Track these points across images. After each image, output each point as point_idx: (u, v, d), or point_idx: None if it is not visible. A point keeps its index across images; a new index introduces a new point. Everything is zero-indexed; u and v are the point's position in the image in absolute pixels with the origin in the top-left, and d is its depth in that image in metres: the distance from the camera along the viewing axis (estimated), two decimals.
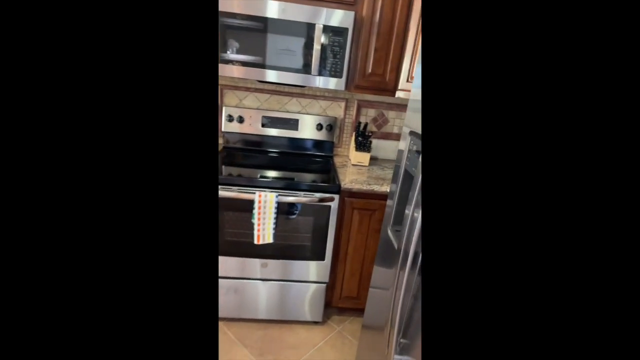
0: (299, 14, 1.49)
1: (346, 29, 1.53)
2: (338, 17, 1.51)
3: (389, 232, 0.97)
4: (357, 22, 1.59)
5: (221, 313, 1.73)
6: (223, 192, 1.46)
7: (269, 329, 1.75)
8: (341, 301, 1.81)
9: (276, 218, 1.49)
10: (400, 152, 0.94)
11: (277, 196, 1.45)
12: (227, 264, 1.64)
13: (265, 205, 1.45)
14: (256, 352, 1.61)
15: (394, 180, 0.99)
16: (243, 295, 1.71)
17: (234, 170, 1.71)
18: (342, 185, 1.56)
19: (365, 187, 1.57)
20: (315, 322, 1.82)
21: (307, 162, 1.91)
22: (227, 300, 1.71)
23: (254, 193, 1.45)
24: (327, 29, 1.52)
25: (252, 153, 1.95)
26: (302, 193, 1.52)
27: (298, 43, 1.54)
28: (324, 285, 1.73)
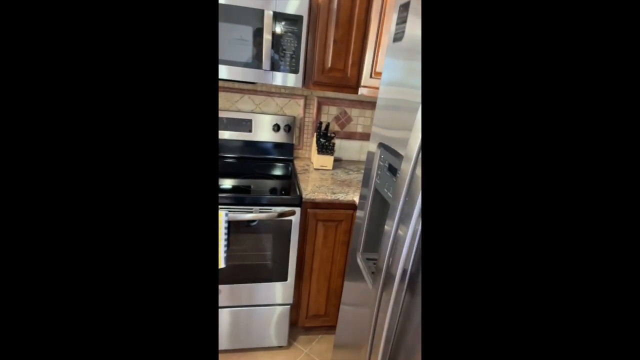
0: None
1: (300, 17, 1.33)
2: (291, 3, 1.30)
3: (359, 260, 0.80)
4: (313, 9, 1.39)
5: None
6: None
7: (229, 359, 1.54)
8: (307, 320, 1.64)
9: (227, 239, 1.27)
10: (369, 167, 0.77)
11: (226, 214, 1.23)
12: None
13: None
14: None
15: (361, 201, 0.82)
16: None
17: None
18: (303, 196, 1.37)
19: (329, 197, 1.40)
20: (280, 347, 1.63)
21: (265, 168, 1.69)
22: None
23: None
24: (279, 16, 1.31)
25: None
26: (257, 208, 1.31)
27: (248, 33, 1.31)
28: (288, 306, 1.54)
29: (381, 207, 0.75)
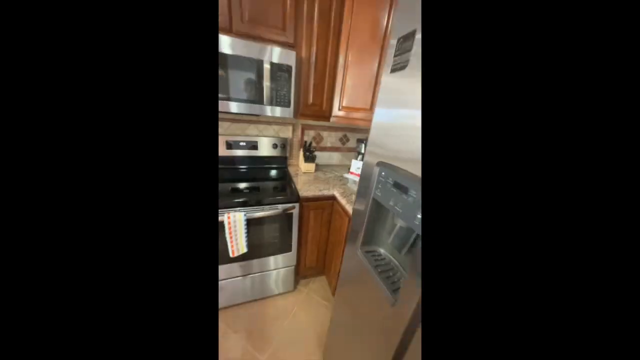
0: (247, 50, 0.97)
1: (290, 66, 1.06)
2: (282, 55, 1.03)
3: (360, 253, 0.61)
4: (298, 61, 1.13)
5: None
6: None
7: (254, 307, 1.31)
8: (305, 271, 1.45)
9: (247, 231, 1.02)
10: (367, 176, 0.57)
11: (245, 214, 0.97)
12: None
13: (235, 224, 0.96)
14: (245, 335, 1.16)
15: (357, 207, 0.62)
16: (228, 291, 1.21)
17: None
18: (300, 195, 1.14)
19: (317, 193, 1.19)
20: (288, 292, 1.43)
21: (268, 174, 1.42)
22: None
23: (223, 215, 0.95)
24: (274, 66, 1.03)
25: (222, 170, 1.38)
26: (267, 207, 1.06)
27: (252, 78, 1.02)
28: (293, 267, 1.34)
29: (377, 213, 0.56)
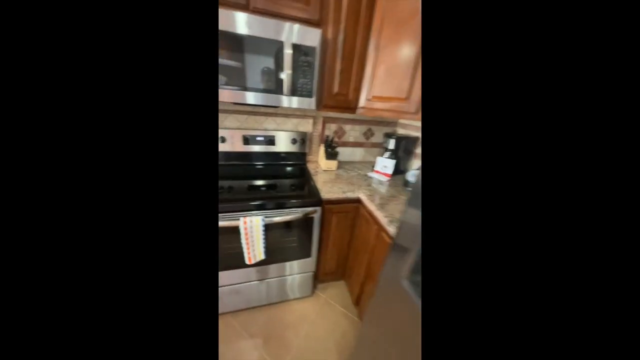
0: (266, 29, 0.83)
1: (314, 48, 0.91)
2: (305, 35, 0.88)
3: (407, 285, 0.47)
4: (323, 42, 0.97)
5: (227, 308, 1.17)
6: None
7: (270, 311, 1.25)
8: (324, 276, 1.35)
9: (265, 237, 0.92)
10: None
11: (263, 219, 0.87)
12: (226, 275, 1.05)
13: (251, 230, 0.87)
14: (261, 342, 1.10)
15: (409, 213, 0.48)
16: (244, 294, 1.16)
17: (226, 183, 1.07)
18: (322, 197, 1.02)
19: (341, 195, 1.06)
20: (306, 296, 1.35)
21: (285, 171, 1.31)
22: (230, 299, 1.14)
23: (239, 219, 0.86)
24: (296, 48, 0.89)
25: (239, 166, 1.30)
26: (287, 210, 0.95)
27: (270, 64, 0.89)
28: (311, 273, 1.24)
29: None
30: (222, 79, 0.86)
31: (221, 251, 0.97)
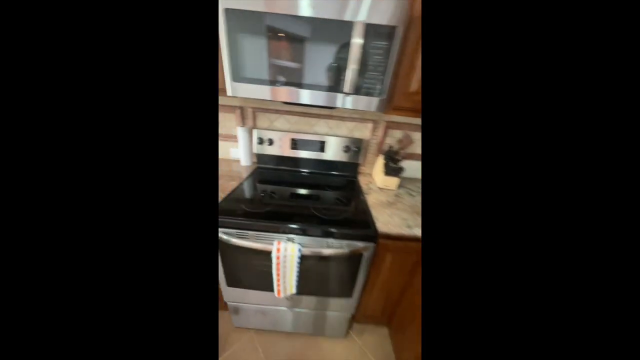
0: (332, 7, 0.64)
1: (393, 28, 0.66)
2: (384, 8, 0.64)
3: None
4: (405, 21, 0.71)
5: (251, 324, 1.06)
6: (237, 241, 0.72)
7: (295, 341, 1.08)
8: (363, 318, 1.09)
9: (299, 269, 0.74)
10: None
11: (299, 249, 0.69)
12: (253, 294, 0.94)
13: (285, 259, 0.70)
14: None
15: None
16: (271, 317, 1.02)
17: (269, 187, 0.98)
18: (378, 229, 0.77)
19: (405, 231, 0.77)
20: (338, 337, 1.12)
21: (332, 182, 1.11)
22: (256, 318, 1.03)
23: (272, 242, 0.70)
24: (369, 29, 0.66)
25: (284, 172, 1.18)
26: (332, 241, 0.74)
27: (332, 53, 0.70)
28: (349, 314, 1.00)
29: None
30: (278, 78, 0.73)
31: (249, 268, 0.85)
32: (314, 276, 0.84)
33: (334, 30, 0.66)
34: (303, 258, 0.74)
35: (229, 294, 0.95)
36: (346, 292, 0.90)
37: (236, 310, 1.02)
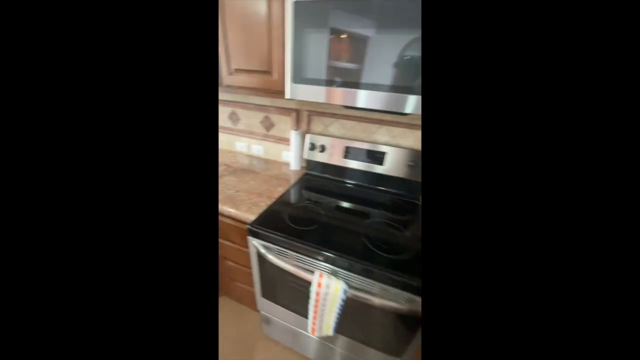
0: None
1: None
2: None
3: None
4: None
5: (277, 337, 1.01)
6: (275, 259, 0.65)
7: None
8: None
9: (341, 310, 0.61)
10: None
11: (344, 290, 0.56)
12: (283, 312, 0.87)
13: (326, 296, 0.58)
14: None
15: None
16: (300, 342, 0.94)
17: (313, 195, 0.90)
18: None
19: None
20: None
21: (391, 202, 0.93)
22: (285, 335, 0.97)
23: (314, 271, 0.59)
24: None
25: (332, 182, 1.07)
26: (385, 288, 0.58)
27: (405, 46, 0.53)
28: None
29: None
30: (336, 80, 0.62)
31: (285, 287, 0.77)
32: (357, 320, 0.69)
33: (405, 14, 0.49)
34: (347, 299, 0.61)
35: (262, 304, 0.92)
36: (394, 351, 0.71)
37: (267, 321, 0.98)
